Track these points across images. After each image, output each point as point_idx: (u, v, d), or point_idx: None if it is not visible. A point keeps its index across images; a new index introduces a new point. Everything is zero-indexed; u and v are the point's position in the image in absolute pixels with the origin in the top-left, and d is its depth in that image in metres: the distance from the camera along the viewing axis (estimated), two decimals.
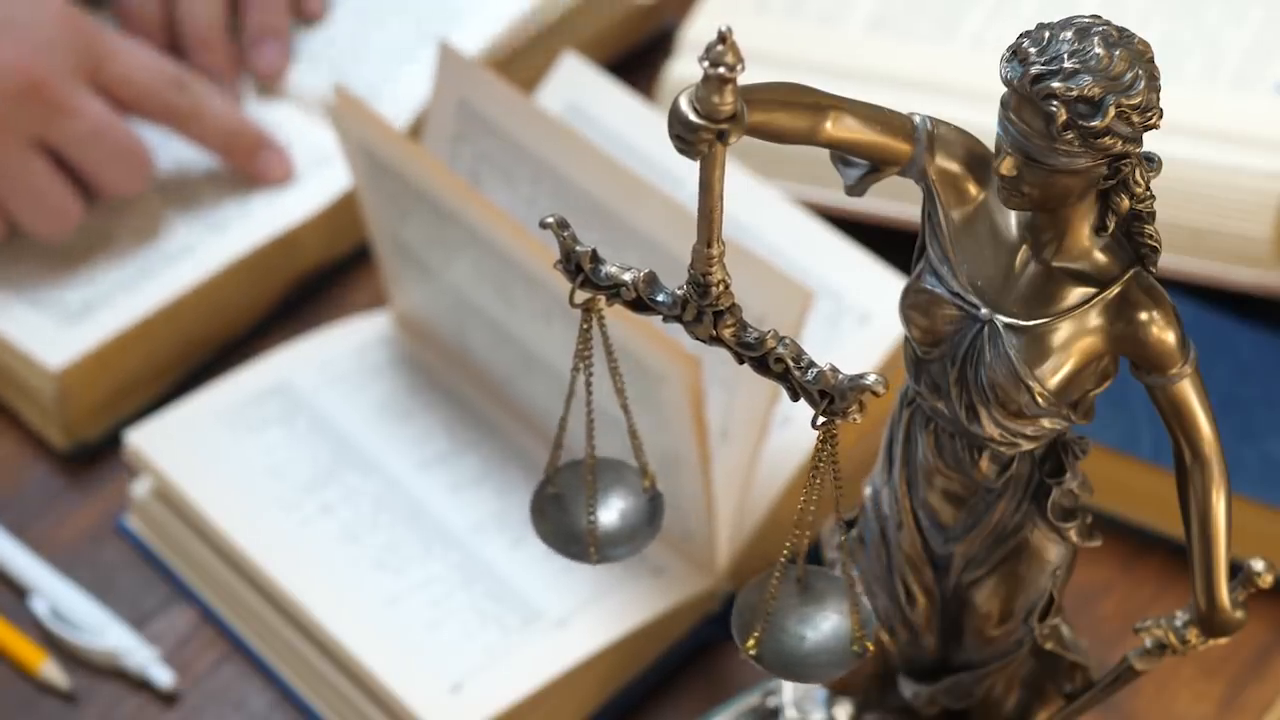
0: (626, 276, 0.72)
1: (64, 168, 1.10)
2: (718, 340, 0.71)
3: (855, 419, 0.69)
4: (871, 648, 0.74)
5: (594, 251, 0.72)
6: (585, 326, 0.75)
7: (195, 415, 1.06)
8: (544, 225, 0.71)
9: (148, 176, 1.12)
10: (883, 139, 0.71)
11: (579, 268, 0.72)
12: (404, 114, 1.15)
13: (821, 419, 0.70)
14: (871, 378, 0.68)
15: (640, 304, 0.72)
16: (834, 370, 0.69)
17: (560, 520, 0.79)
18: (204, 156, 1.16)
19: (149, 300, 1.10)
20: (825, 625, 0.75)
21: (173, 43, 1.18)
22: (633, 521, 0.80)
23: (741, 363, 0.71)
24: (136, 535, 1.06)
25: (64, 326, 1.09)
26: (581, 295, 0.73)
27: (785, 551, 0.74)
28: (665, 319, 0.72)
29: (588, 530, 0.79)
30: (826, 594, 0.76)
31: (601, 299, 0.73)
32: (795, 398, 0.71)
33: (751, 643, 0.75)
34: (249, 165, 1.14)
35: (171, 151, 1.16)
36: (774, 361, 0.70)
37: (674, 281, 0.72)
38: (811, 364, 0.70)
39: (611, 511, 0.79)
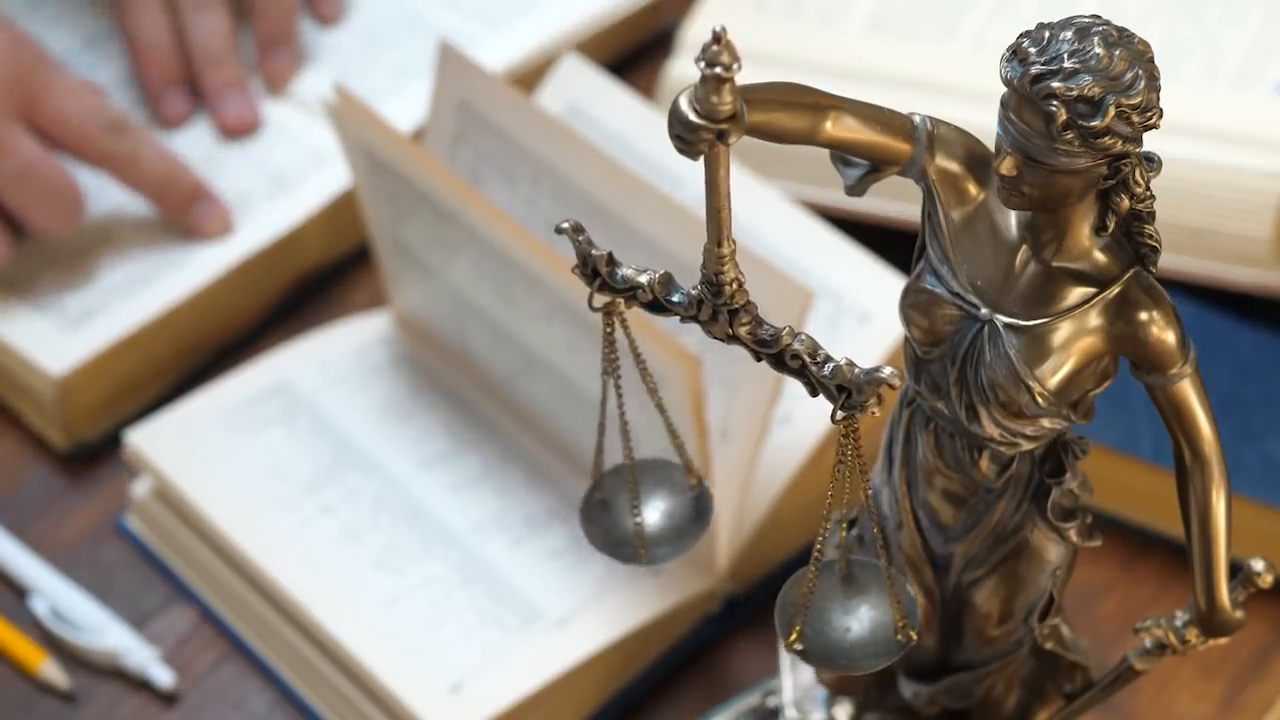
0: (643, 279, 0.72)
1: None
2: (734, 338, 0.71)
3: (874, 412, 0.70)
4: (915, 636, 0.74)
5: (610, 255, 0.72)
6: (609, 330, 0.75)
7: (195, 415, 1.06)
8: (559, 231, 0.71)
9: (78, 217, 1.10)
10: (883, 139, 0.71)
11: (595, 271, 0.72)
12: (403, 127, 1.15)
13: (841, 413, 0.70)
14: (887, 370, 0.69)
15: (657, 305, 0.72)
16: (850, 364, 0.70)
17: (608, 524, 0.79)
18: (205, 157, 1.16)
19: (150, 305, 1.10)
20: (868, 615, 0.75)
21: (183, 60, 1.18)
22: (678, 520, 0.80)
23: (759, 360, 0.72)
24: (136, 535, 1.06)
25: (65, 331, 1.09)
26: (600, 299, 0.73)
27: (817, 547, 0.74)
28: (682, 319, 0.72)
29: (634, 532, 0.79)
30: (868, 584, 0.75)
31: (621, 302, 0.73)
32: (814, 393, 0.71)
33: (795, 636, 0.74)
34: (183, 216, 1.12)
35: (171, 151, 1.16)
36: (790, 358, 0.71)
37: (682, 282, 0.72)
38: (828, 359, 0.70)
39: (656, 511, 0.79)
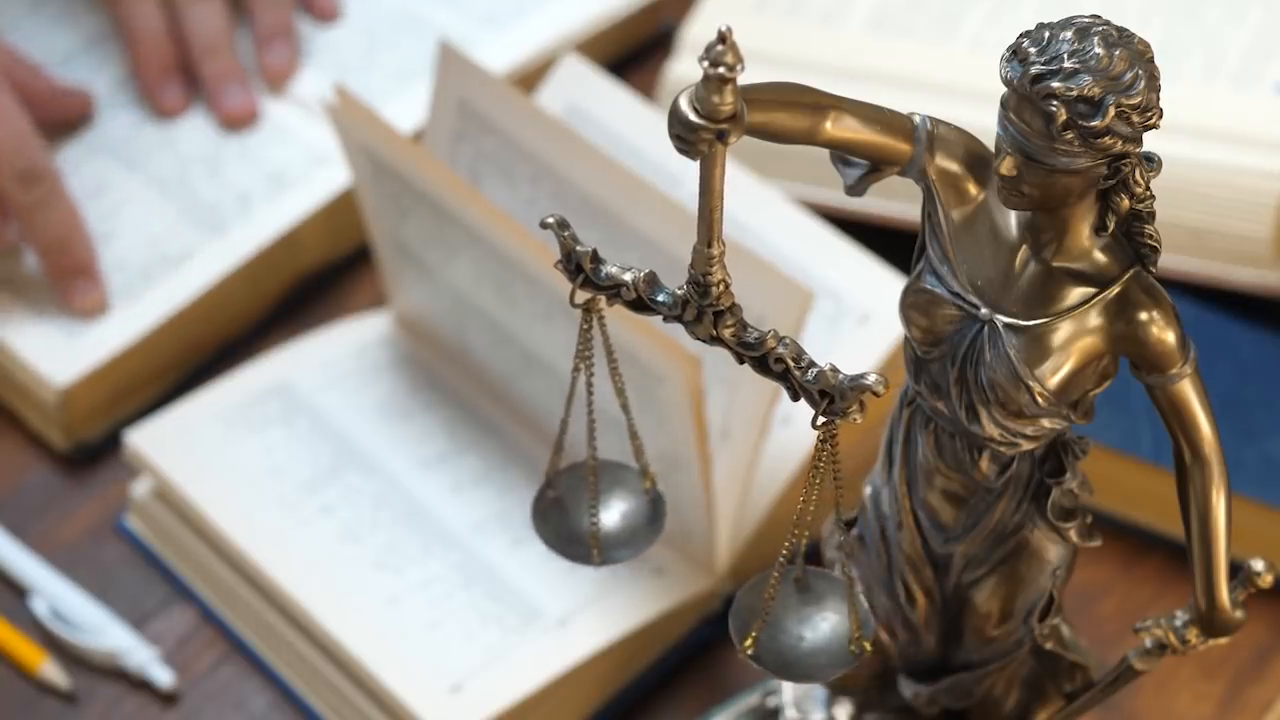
0: (627, 276, 0.72)
1: None
2: (718, 340, 0.71)
3: (856, 419, 0.70)
4: (869, 648, 0.75)
5: (594, 252, 0.72)
6: (585, 327, 0.75)
7: (195, 416, 1.06)
8: (544, 225, 0.71)
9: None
10: (883, 139, 0.71)
11: (579, 268, 0.72)
12: (403, 128, 1.14)
13: (822, 419, 0.70)
14: (872, 378, 0.69)
15: (641, 304, 0.72)
16: (834, 370, 0.69)
17: (562, 523, 0.80)
18: (204, 157, 1.16)
19: (152, 310, 1.10)
20: (824, 625, 0.75)
21: (179, 51, 1.18)
22: (634, 523, 0.80)
23: (742, 362, 0.71)
24: (136, 535, 1.06)
25: (67, 336, 1.08)
26: (582, 295, 0.73)
27: (784, 551, 0.74)
28: (666, 319, 0.72)
29: (590, 533, 0.79)
30: (825, 594, 0.76)
31: (602, 299, 0.73)
32: (795, 398, 0.71)
33: (749, 642, 0.75)
34: (61, 283, 1.09)
35: (171, 150, 1.16)
36: (774, 361, 0.70)
37: (674, 281, 0.72)
38: (812, 364, 0.70)
39: (613, 513, 0.80)
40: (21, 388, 1.09)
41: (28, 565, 1.04)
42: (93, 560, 1.05)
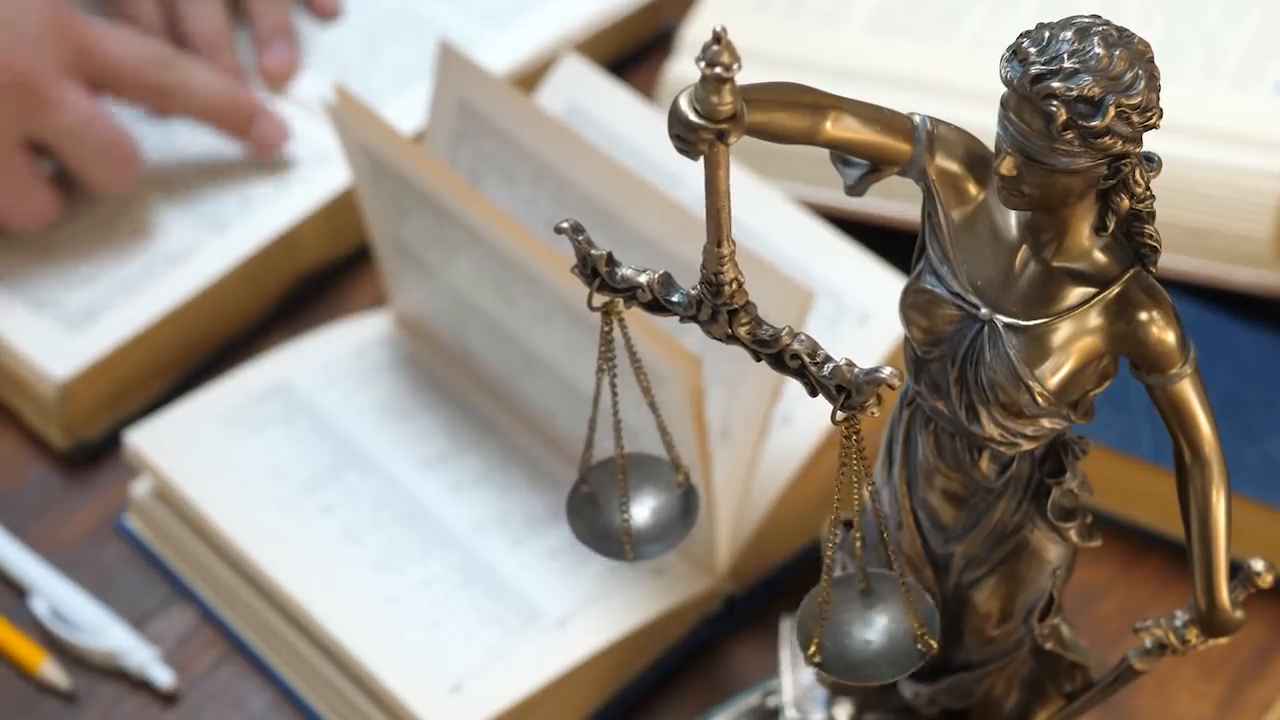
0: (642, 279, 0.72)
1: (49, 165, 1.10)
2: (734, 339, 0.71)
3: (873, 412, 0.70)
4: (935, 645, 0.74)
5: (610, 255, 0.72)
6: (606, 329, 0.75)
7: (195, 415, 1.06)
8: (559, 231, 0.71)
9: (135, 173, 1.11)
10: (883, 139, 0.71)
11: (595, 271, 0.72)
12: (404, 129, 1.14)
13: (841, 413, 0.70)
14: (887, 371, 0.69)
15: (656, 305, 0.72)
16: (850, 364, 0.70)
17: (595, 519, 0.79)
18: (203, 153, 1.16)
19: (152, 306, 1.10)
20: (886, 627, 0.75)
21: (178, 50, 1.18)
22: (666, 517, 0.80)
23: (758, 360, 0.72)
24: (136, 535, 1.06)
25: (67, 333, 1.09)
26: (599, 299, 0.73)
27: (829, 553, 0.74)
28: (681, 319, 0.72)
29: (622, 528, 0.79)
30: (884, 595, 0.75)
31: (620, 302, 0.73)
32: (813, 393, 0.71)
33: (814, 649, 0.74)
34: (245, 135, 1.14)
35: (171, 148, 1.16)
36: (790, 358, 0.71)
37: (682, 282, 0.72)
38: (827, 359, 0.70)
39: (645, 508, 0.79)
40: (21, 383, 1.09)
41: (28, 565, 1.04)
42: (93, 560, 1.05)
